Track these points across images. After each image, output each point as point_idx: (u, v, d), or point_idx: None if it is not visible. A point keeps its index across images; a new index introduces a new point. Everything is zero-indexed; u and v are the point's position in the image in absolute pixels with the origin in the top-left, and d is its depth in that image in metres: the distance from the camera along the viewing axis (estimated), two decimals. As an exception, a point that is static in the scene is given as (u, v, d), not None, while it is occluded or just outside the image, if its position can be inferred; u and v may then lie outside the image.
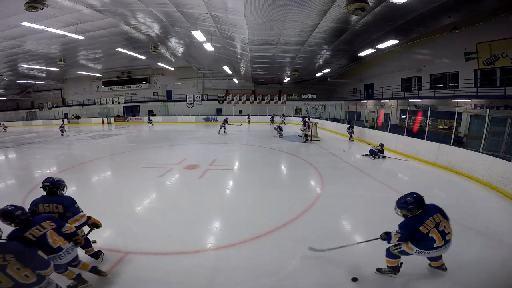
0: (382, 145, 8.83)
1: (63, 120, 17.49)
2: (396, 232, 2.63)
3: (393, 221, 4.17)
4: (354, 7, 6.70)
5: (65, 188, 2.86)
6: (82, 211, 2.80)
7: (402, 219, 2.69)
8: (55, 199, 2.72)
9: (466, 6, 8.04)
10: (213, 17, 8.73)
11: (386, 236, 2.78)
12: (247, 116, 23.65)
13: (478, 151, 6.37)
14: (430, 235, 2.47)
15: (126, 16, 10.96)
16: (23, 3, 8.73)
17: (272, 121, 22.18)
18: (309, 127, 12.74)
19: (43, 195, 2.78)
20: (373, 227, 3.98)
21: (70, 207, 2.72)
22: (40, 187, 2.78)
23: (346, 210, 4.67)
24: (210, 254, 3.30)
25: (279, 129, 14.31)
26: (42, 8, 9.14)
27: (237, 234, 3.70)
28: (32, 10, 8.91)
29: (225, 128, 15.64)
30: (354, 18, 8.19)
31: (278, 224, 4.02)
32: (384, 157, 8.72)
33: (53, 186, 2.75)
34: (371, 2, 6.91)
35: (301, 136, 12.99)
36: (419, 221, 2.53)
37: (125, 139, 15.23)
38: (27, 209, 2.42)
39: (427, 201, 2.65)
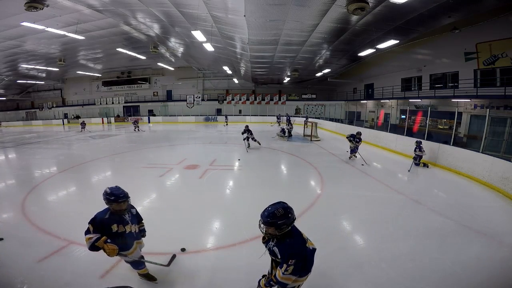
0: (419, 142, 7.64)
1: (136, 120, 19.25)
2: (287, 265, 1.81)
3: (393, 220, 4.20)
4: (354, 7, 6.70)
5: (108, 200, 2.38)
6: (88, 233, 2.30)
7: None
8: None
9: (466, 6, 8.03)
10: (213, 17, 8.73)
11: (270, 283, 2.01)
12: (225, 117, 23.04)
13: (478, 151, 6.37)
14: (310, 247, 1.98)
15: (126, 16, 10.96)
16: (23, 3, 8.73)
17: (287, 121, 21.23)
18: (291, 127, 14.25)
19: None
20: (373, 227, 4.00)
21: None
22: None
23: (346, 210, 4.67)
24: (210, 254, 3.30)
25: (283, 132, 13.48)
26: (42, 8, 9.13)
27: (237, 234, 3.70)
28: (32, 10, 8.90)
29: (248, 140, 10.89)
30: (354, 18, 8.18)
31: (278, 224, 4.01)
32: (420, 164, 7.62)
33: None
34: (371, 2, 6.90)
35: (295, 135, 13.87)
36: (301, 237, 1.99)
37: (125, 139, 15.22)
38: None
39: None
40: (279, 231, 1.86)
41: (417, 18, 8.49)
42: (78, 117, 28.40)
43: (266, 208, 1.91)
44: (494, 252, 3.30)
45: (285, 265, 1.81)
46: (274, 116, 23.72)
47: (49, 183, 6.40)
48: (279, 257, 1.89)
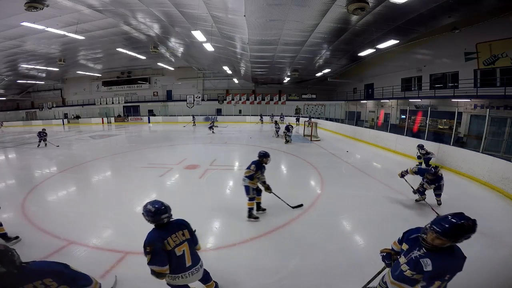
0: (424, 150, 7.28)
1: (213, 120, 17.07)
2: (441, 281, 1.63)
3: (394, 220, 4.20)
4: (354, 7, 6.71)
5: None
6: None
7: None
8: (179, 225, 2.21)
9: (466, 6, 8.04)
10: (213, 17, 8.73)
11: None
12: (192, 117, 22.74)
13: (478, 151, 6.37)
14: None
15: (126, 16, 10.96)
16: (23, 3, 8.73)
17: (285, 121, 20.72)
18: (279, 127, 14.20)
19: (157, 229, 2.13)
20: (373, 227, 4.00)
21: (193, 232, 2.29)
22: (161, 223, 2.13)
23: (346, 210, 4.67)
24: (210, 254, 3.30)
25: (288, 130, 12.04)
26: (42, 8, 9.14)
27: (237, 234, 3.70)
28: (32, 10, 8.91)
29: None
30: (354, 18, 8.19)
31: (278, 224, 4.02)
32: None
33: (169, 214, 2.14)
34: (371, 2, 6.91)
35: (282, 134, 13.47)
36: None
37: (125, 139, 15.23)
38: (146, 253, 2.04)
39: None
40: (450, 244, 1.59)
41: (417, 18, 8.50)
42: (78, 117, 28.42)
43: (445, 217, 1.62)
44: (494, 252, 3.29)
45: (437, 282, 1.59)
46: (274, 116, 23.86)
47: (49, 183, 6.40)
48: (427, 270, 1.62)
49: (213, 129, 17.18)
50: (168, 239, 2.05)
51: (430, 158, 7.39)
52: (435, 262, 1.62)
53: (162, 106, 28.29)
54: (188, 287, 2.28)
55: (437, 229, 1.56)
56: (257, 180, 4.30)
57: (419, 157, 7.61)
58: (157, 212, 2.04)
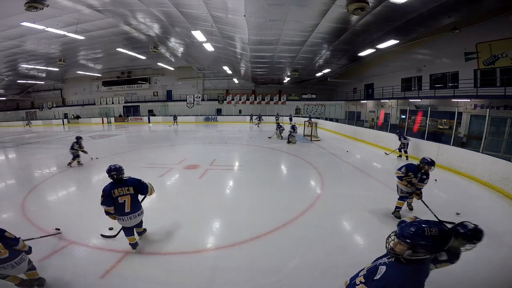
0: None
1: (259, 116, 19.77)
2: None
3: (394, 221, 4.20)
4: (354, 7, 6.70)
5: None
6: (148, 183, 3.33)
7: None
8: (128, 183, 3.16)
9: (466, 6, 8.04)
10: (213, 17, 8.73)
11: None
12: (173, 117, 22.57)
13: (478, 151, 6.38)
14: None
15: (126, 16, 10.96)
16: (23, 3, 8.73)
17: (292, 121, 19.78)
18: (282, 130, 13.39)
19: (111, 183, 3.12)
20: (373, 227, 4.00)
21: (140, 186, 3.22)
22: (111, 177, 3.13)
23: (346, 210, 4.67)
24: (210, 254, 3.30)
25: (294, 129, 12.08)
26: (42, 8, 9.13)
27: (237, 234, 3.70)
28: (32, 10, 8.90)
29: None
30: (354, 18, 8.19)
31: (278, 224, 4.02)
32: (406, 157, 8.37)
33: (119, 173, 3.14)
34: (371, 2, 6.91)
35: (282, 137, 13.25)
36: None
37: (125, 139, 15.23)
38: (100, 196, 3.06)
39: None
40: (410, 255, 1.38)
41: (417, 18, 8.50)
42: (78, 117, 28.42)
43: (413, 222, 1.47)
44: (494, 252, 3.29)
45: None
46: (273, 116, 23.76)
47: (49, 183, 6.40)
48: (375, 278, 1.44)
49: (258, 124, 19.62)
50: (115, 190, 3.06)
51: (407, 143, 8.31)
52: (387, 273, 1.41)
53: (162, 106, 28.29)
54: (132, 231, 3.28)
55: (397, 231, 1.45)
56: (405, 183, 4.16)
57: (401, 144, 8.46)
58: (109, 170, 3.12)
